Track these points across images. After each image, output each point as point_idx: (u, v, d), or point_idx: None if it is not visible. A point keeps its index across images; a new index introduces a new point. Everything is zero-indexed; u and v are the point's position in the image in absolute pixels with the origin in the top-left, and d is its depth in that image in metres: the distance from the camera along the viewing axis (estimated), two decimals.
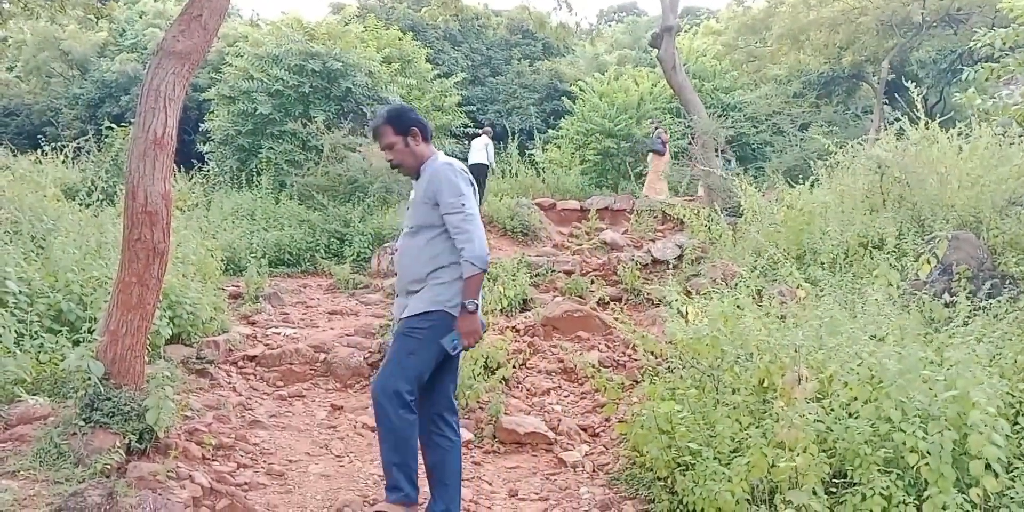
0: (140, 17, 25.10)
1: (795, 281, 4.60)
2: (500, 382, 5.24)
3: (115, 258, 4.66)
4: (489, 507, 3.74)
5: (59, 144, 9.23)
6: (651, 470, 3.76)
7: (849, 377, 3.19)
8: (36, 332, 4.07)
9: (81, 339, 4.13)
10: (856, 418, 3.07)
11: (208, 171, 13.83)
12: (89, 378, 3.28)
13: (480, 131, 14.33)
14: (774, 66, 19.38)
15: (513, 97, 23.91)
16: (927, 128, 7.26)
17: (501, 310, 6.85)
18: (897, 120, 7.64)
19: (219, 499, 3.24)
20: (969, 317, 3.76)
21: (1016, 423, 3.08)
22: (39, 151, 9.27)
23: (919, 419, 2.89)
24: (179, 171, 11.13)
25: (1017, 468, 2.87)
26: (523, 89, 24.07)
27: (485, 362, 5.25)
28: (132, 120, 4.10)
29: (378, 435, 3.08)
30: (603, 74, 18.72)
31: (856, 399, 3.12)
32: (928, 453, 2.79)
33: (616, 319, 5.22)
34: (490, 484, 4.03)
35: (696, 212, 9.00)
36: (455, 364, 3.28)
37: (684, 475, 3.38)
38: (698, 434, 3.48)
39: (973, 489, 2.75)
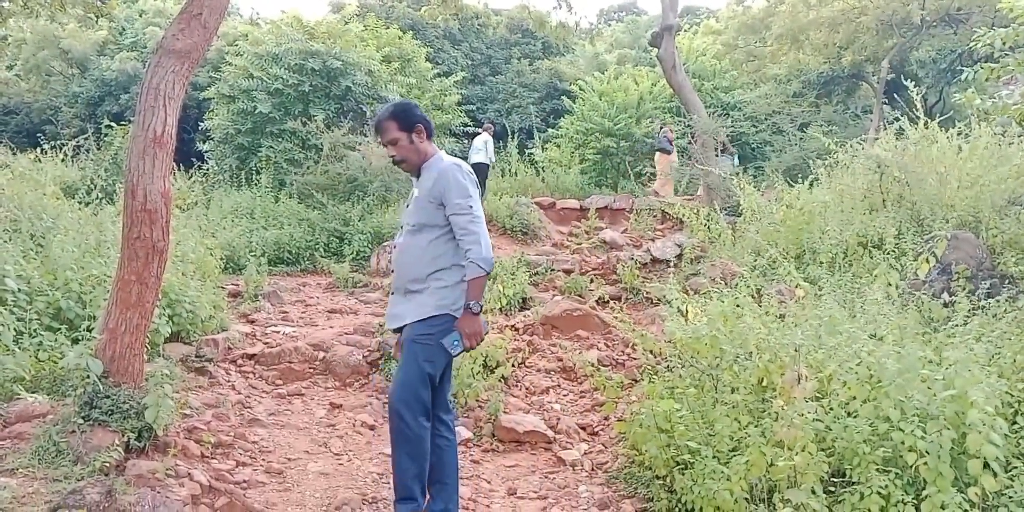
0: (140, 16, 25.06)
1: (794, 280, 4.61)
2: (499, 381, 5.25)
3: (114, 256, 4.66)
4: (488, 505, 3.74)
5: (59, 142, 9.24)
6: (650, 469, 3.77)
7: (848, 376, 3.19)
8: (35, 330, 4.07)
9: (80, 337, 4.14)
10: (855, 417, 3.07)
11: (208, 170, 13.79)
12: (88, 376, 3.28)
13: (480, 129, 14.33)
14: (774, 65, 19.38)
15: (513, 96, 23.88)
16: (927, 128, 7.27)
17: (500, 309, 6.85)
18: (897, 120, 7.65)
19: (218, 497, 3.24)
20: (968, 317, 3.76)
21: (1014, 422, 3.09)
22: (39, 149, 9.25)
23: (918, 418, 2.90)
24: (179, 170, 11.14)
25: (1015, 467, 2.87)
26: (523, 88, 24.03)
27: (484, 361, 5.26)
28: (132, 118, 4.10)
29: (392, 444, 3.01)
30: (603, 73, 18.69)
31: (855, 398, 3.12)
32: (927, 452, 2.79)
33: (615, 318, 5.22)
34: (489, 483, 4.03)
35: (696, 211, 9.00)
36: (451, 364, 3.27)
37: (683, 474, 3.39)
38: (697, 433, 3.48)
39: (971, 488, 2.76)
